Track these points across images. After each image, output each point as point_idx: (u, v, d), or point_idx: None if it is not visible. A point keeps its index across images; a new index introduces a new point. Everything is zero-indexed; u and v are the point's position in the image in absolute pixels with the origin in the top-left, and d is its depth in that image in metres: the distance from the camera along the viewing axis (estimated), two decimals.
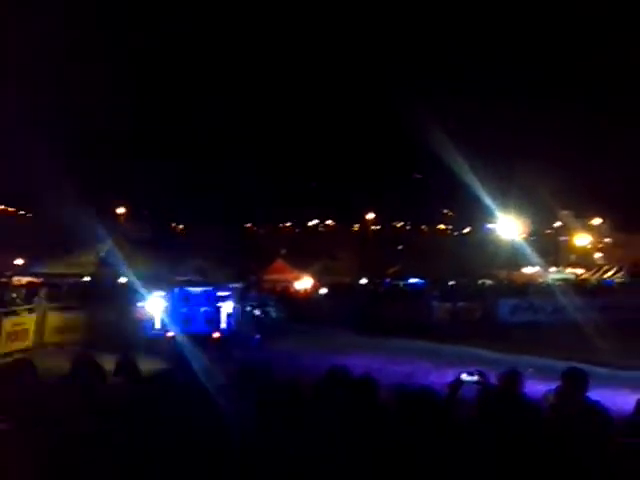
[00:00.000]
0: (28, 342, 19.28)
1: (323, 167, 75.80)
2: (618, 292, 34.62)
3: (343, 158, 73.36)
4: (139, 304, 20.66)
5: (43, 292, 22.89)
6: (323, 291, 39.81)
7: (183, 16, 69.11)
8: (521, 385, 5.97)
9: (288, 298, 34.63)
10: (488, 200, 41.87)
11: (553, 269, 51.46)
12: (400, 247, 72.34)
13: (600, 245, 64.37)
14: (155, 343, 17.01)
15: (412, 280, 44.23)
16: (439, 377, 11.00)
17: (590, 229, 64.10)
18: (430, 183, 64.52)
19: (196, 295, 19.92)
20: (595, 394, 5.77)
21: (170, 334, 18.60)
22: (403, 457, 4.48)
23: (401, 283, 42.89)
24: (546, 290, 34.60)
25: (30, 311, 20.53)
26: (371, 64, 67.71)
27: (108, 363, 6.19)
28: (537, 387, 6.55)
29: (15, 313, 20.27)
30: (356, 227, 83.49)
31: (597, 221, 65.64)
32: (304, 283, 44.14)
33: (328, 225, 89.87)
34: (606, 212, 62.22)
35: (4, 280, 42.37)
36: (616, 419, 5.60)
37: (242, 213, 73.64)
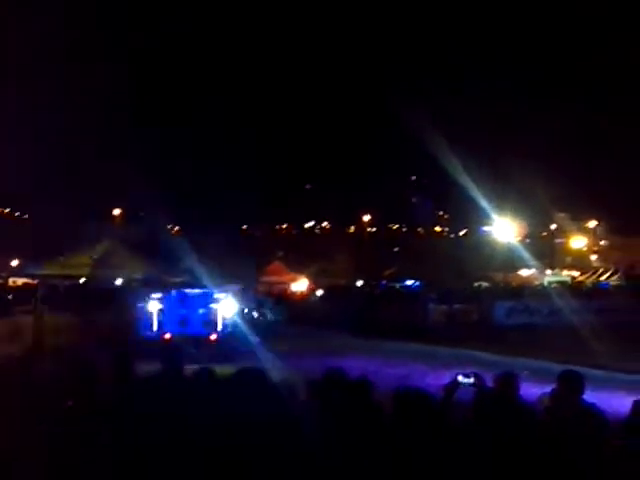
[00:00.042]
0: (25, 344, 19.21)
1: (319, 169, 75.86)
2: (614, 295, 34.66)
3: (339, 160, 73.41)
4: (136, 305, 20.66)
5: (40, 293, 22.86)
6: (319, 293, 39.85)
7: (183, 16, 69.14)
8: (517, 387, 5.97)
9: (285, 300, 34.65)
10: (484, 202, 41.93)
11: (549, 272, 51.52)
12: (396, 249, 72.37)
13: (596, 248, 64.46)
14: (152, 345, 16.98)
15: (408, 282, 44.29)
16: (435, 379, 10.98)
17: (586, 232, 64.20)
18: (426, 185, 64.59)
19: (193, 297, 19.90)
20: (591, 396, 5.77)
21: (167, 336, 18.59)
22: (399, 459, 4.48)
23: (397, 285, 42.95)
24: (542, 292, 34.68)
25: (27, 312, 20.49)
26: (367, 67, 67.75)
27: (105, 365, 6.18)
28: (533, 389, 6.55)
29: (11, 314, 20.23)
30: (352, 229, 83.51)
31: (593, 223, 65.75)
32: (300, 285, 44.18)
33: (324, 227, 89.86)
34: (602, 215, 62.34)
35: (0, 281, 42.40)
36: (612, 421, 5.61)
37: (238, 215, 73.59)
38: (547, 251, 59.04)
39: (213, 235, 56.31)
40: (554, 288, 37.39)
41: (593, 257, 62.52)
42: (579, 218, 63.38)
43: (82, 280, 43.01)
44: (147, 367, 6.50)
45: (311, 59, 76.47)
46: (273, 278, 45.66)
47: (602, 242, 65.25)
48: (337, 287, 41.29)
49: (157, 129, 63.27)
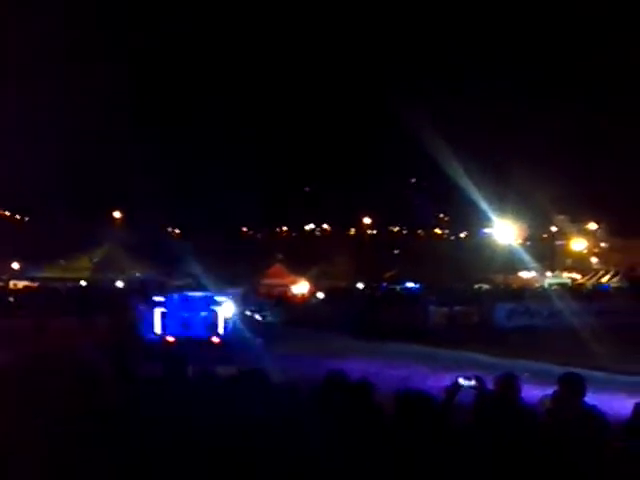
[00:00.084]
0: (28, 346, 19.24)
1: (319, 171, 75.89)
2: (614, 297, 34.65)
3: (339, 161, 73.42)
4: (138, 308, 20.70)
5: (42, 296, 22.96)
6: (320, 295, 39.84)
7: (183, 16, 69.24)
8: (518, 390, 5.97)
9: (284, 302, 34.66)
10: (484, 205, 41.95)
11: (549, 274, 51.52)
12: (396, 251, 72.38)
13: (596, 250, 64.47)
14: (155, 347, 17.01)
15: (409, 284, 44.27)
16: (436, 381, 10.98)
17: (586, 234, 64.22)
18: (426, 187, 64.57)
19: (196, 300, 19.92)
20: (592, 399, 5.77)
21: (170, 338, 18.62)
22: (400, 461, 4.49)
23: (398, 287, 42.92)
24: (542, 294, 34.69)
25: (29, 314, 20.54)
26: (367, 67, 67.84)
27: (105, 366, 6.20)
28: (534, 392, 6.55)
29: (13, 316, 20.28)
30: (352, 231, 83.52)
31: (593, 226, 65.75)
32: (301, 287, 44.18)
33: (324, 229, 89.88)
34: (602, 217, 62.35)
35: (1, 284, 42.45)
36: (613, 424, 5.60)
37: (239, 217, 73.60)
38: (547, 253, 59.06)
39: (213, 238, 56.38)
40: (554, 290, 37.43)
41: (593, 259, 62.54)
42: (579, 220, 63.43)
43: (83, 283, 43.07)
44: (150, 369, 6.51)
45: (311, 59, 76.59)
46: (274, 280, 45.70)
47: (602, 244, 65.26)
48: (338, 289, 41.31)
49: (157, 129, 63.35)
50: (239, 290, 23.62)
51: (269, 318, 26.76)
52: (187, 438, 4.67)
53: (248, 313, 21.95)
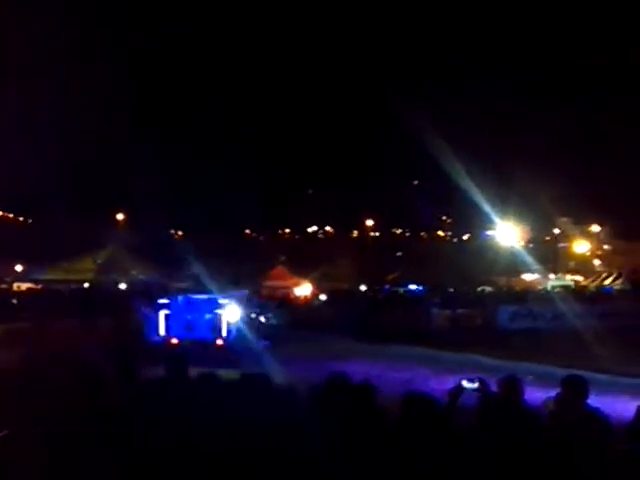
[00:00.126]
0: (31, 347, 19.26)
1: (321, 172, 75.89)
2: (617, 299, 34.62)
3: (341, 163, 73.44)
4: (141, 310, 20.72)
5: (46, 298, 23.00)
6: (323, 297, 39.83)
7: (183, 16, 69.34)
8: (521, 392, 5.97)
9: (287, 304, 34.64)
10: (487, 207, 41.91)
11: (552, 276, 51.47)
12: (399, 254, 72.34)
13: (599, 252, 64.39)
14: (159, 349, 17.03)
15: (411, 287, 44.26)
16: (439, 384, 10.99)
17: (589, 236, 64.15)
18: (428, 188, 64.54)
19: (200, 302, 19.92)
20: (595, 401, 5.77)
21: (174, 341, 18.65)
22: (403, 464, 4.49)
23: (400, 290, 42.92)
24: (545, 297, 34.66)
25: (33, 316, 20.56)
26: (367, 67, 67.89)
27: (108, 367, 6.20)
28: (537, 394, 6.54)
29: (17, 318, 20.30)
30: (355, 233, 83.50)
31: (596, 228, 65.67)
32: (304, 289, 44.17)
33: (327, 232, 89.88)
34: (605, 219, 62.26)
35: (4, 286, 42.49)
36: (616, 426, 5.60)
37: (241, 219, 73.62)
38: (550, 255, 58.97)
39: (215, 240, 56.37)
40: (557, 292, 37.42)
41: (596, 262, 62.46)
42: (582, 222, 63.35)
43: (86, 285, 43.12)
44: (153, 371, 6.52)
45: (311, 59, 76.64)
46: (276, 282, 45.69)
47: (605, 247, 65.18)
48: (340, 291, 41.29)
49: (157, 129, 63.40)
50: (243, 292, 23.58)
51: (273, 320, 26.71)
52: (189, 439, 4.67)
53: (253, 315, 21.91)
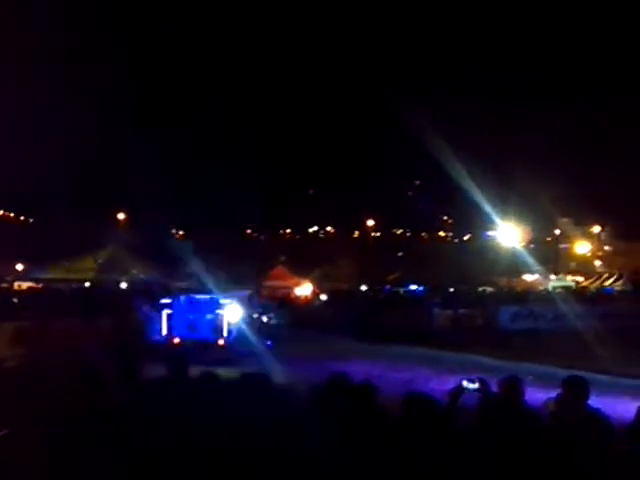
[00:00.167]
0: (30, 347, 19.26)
1: (321, 172, 75.89)
2: (618, 300, 34.61)
3: (341, 163, 73.42)
4: (142, 310, 20.75)
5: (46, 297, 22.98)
6: (323, 297, 39.84)
7: (183, 16, 69.37)
8: (522, 392, 5.97)
9: (288, 304, 34.64)
10: (488, 207, 41.88)
11: (553, 277, 51.45)
12: (400, 254, 72.31)
13: (600, 253, 64.38)
14: (160, 348, 17.06)
15: (412, 287, 44.24)
16: (439, 384, 11.00)
17: (590, 237, 64.13)
18: (429, 189, 64.53)
19: (202, 302, 19.95)
20: (595, 402, 5.76)
21: (176, 340, 18.68)
22: (403, 464, 4.48)
23: (401, 290, 42.90)
24: (546, 297, 34.64)
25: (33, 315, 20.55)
26: (367, 67, 67.86)
27: (109, 367, 6.20)
28: (537, 395, 6.53)
29: (17, 317, 20.28)
30: (356, 234, 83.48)
31: (597, 229, 65.65)
32: (304, 289, 44.18)
33: (328, 232, 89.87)
34: (606, 220, 62.26)
35: (5, 285, 42.51)
36: (617, 427, 5.59)
37: (241, 218, 73.61)
38: (551, 256, 58.97)
39: (216, 240, 56.32)
40: (558, 293, 37.40)
41: (597, 262, 62.45)
42: (583, 223, 63.33)
43: (87, 284, 43.10)
44: (154, 370, 6.51)
45: (311, 59, 76.65)
46: (277, 282, 45.68)
47: (606, 247, 65.17)
48: (341, 291, 41.29)
49: (157, 129, 63.40)
50: (245, 292, 23.60)
51: (274, 320, 26.73)
52: (189, 439, 4.67)
53: (255, 315, 21.94)
